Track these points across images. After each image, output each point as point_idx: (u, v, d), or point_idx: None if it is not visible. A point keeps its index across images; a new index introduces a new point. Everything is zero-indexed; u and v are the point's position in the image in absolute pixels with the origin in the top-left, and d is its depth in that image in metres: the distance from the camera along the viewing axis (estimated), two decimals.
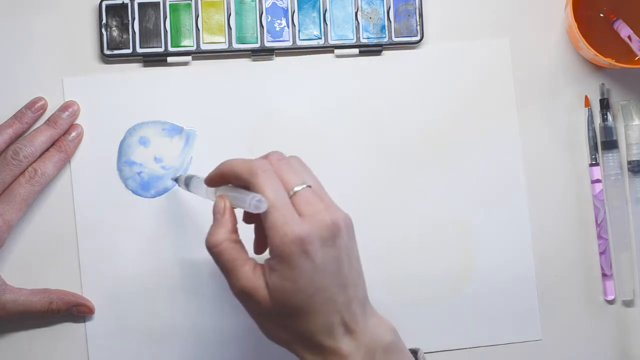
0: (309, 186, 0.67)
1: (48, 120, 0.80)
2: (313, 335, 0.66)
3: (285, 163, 0.68)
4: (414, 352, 0.70)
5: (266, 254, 0.67)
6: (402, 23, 0.84)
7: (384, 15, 0.84)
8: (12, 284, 0.79)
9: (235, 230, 0.68)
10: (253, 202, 0.64)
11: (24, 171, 0.78)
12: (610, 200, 0.85)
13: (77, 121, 0.81)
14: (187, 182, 0.77)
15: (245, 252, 0.68)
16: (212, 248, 0.67)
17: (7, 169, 0.77)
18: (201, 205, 0.81)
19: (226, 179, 0.69)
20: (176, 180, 0.80)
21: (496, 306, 0.84)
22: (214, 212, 0.68)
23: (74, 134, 0.80)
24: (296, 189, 0.66)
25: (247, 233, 0.71)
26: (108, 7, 0.81)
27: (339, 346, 0.66)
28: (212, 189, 0.71)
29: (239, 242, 0.68)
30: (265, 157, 0.69)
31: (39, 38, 0.81)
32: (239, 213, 0.69)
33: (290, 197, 0.66)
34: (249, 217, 0.71)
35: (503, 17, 0.85)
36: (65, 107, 0.80)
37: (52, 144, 0.80)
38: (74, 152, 0.80)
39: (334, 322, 0.65)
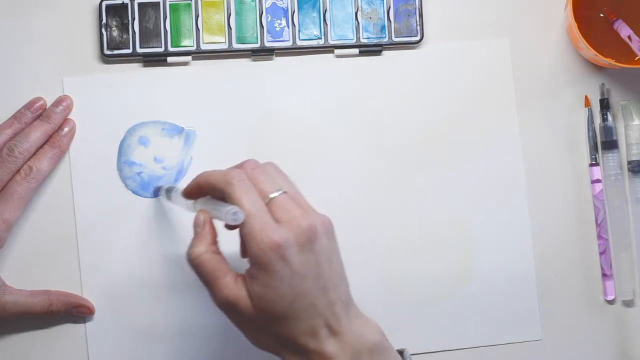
0: (285, 192, 0.67)
1: (42, 115, 0.80)
2: (297, 339, 0.66)
3: (260, 171, 0.68)
4: (400, 353, 0.70)
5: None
6: (402, 23, 0.84)
7: (384, 15, 0.84)
8: (12, 284, 0.79)
9: (214, 242, 0.68)
10: (229, 214, 0.65)
11: (19, 169, 0.78)
12: (610, 200, 0.85)
13: (78, 121, 0.81)
14: (168, 194, 0.77)
15: (226, 263, 0.68)
16: (192, 260, 0.67)
17: (3, 166, 0.77)
18: None
19: (203, 191, 0.70)
20: (158, 190, 0.80)
21: (496, 306, 0.83)
22: (194, 226, 0.69)
23: (66, 129, 0.80)
24: (272, 195, 0.66)
25: (232, 240, 0.70)
26: (108, 7, 0.81)
27: (324, 348, 0.66)
28: (190, 201, 0.71)
29: (219, 253, 0.68)
30: (240, 166, 0.69)
31: (39, 38, 0.81)
32: (221, 224, 0.69)
33: (266, 204, 0.66)
34: (230, 225, 0.71)
35: (503, 17, 0.85)
36: (58, 101, 0.80)
37: (46, 140, 0.80)
38: (67, 147, 0.80)
39: (317, 324, 0.66)
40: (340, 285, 0.67)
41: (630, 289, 0.85)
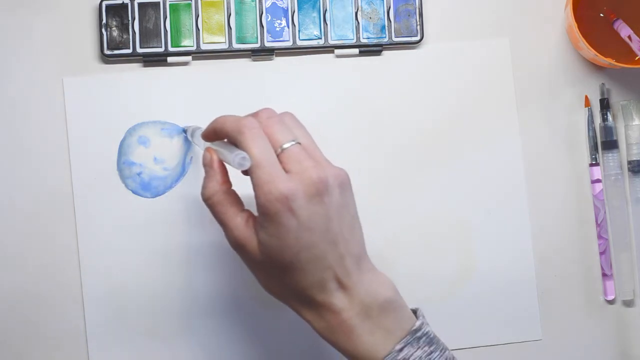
0: (299, 143, 0.67)
1: None
2: (304, 290, 0.66)
3: (276, 120, 0.68)
4: (414, 311, 0.70)
5: None
6: (402, 23, 0.84)
7: (384, 15, 0.84)
8: (12, 284, 0.79)
9: (226, 181, 0.69)
10: (237, 159, 0.65)
11: None
12: (610, 200, 0.85)
13: (78, 121, 0.81)
14: (192, 134, 0.78)
15: (239, 203, 0.69)
16: (206, 200, 0.69)
17: None
18: (202, 204, 0.81)
19: (218, 135, 0.70)
20: (185, 130, 0.81)
21: (496, 306, 0.83)
22: (203, 165, 0.70)
23: None
24: (285, 146, 0.66)
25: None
26: (108, 7, 0.81)
27: (331, 301, 0.66)
28: (207, 144, 0.72)
29: (231, 193, 0.69)
30: (255, 114, 0.69)
31: (39, 38, 0.81)
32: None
33: (278, 154, 0.66)
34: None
35: (503, 17, 0.85)
36: None
37: None
38: None
39: (326, 278, 0.66)
40: (352, 240, 0.67)
41: (630, 289, 0.85)
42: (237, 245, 0.68)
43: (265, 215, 0.65)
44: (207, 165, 0.70)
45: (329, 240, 0.66)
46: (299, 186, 0.65)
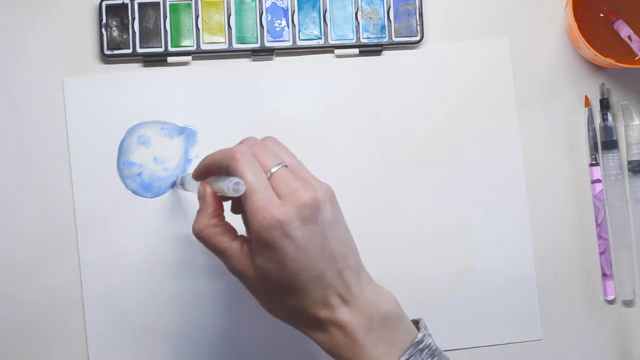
0: (285, 165, 0.67)
1: None
2: (307, 310, 0.66)
3: (260, 146, 0.68)
4: (416, 323, 0.70)
5: None
6: (402, 23, 0.84)
7: (384, 15, 0.84)
8: (12, 284, 0.79)
9: (218, 214, 0.69)
10: (231, 185, 0.65)
11: None
12: (610, 200, 0.85)
13: (78, 121, 0.81)
14: (182, 182, 0.78)
15: (232, 232, 0.69)
16: (197, 234, 0.69)
17: None
18: None
19: (210, 171, 0.70)
20: (174, 184, 0.81)
21: (496, 306, 0.83)
22: (198, 199, 0.70)
23: None
24: (272, 170, 0.66)
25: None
26: (108, 7, 0.81)
27: (336, 317, 0.66)
28: (199, 183, 0.72)
29: (223, 224, 0.69)
30: (242, 143, 0.69)
31: (39, 38, 0.81)
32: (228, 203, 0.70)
33: (268, 178, 0.66)
34: (235, 207, 0.72)
35: (503, 17, 0.85)
36: None
37: None
38: None
39: (327, 295, 0.66)
40: (348, 254, 0.67)
41: (630, 289, 0.85)
42: (235, 273, 0.68)
43: (261, 241, 0.65)
44: (200, 198, 0.70)
45: (326, 258, 0.66)
46: (292, 210, 0.64)
